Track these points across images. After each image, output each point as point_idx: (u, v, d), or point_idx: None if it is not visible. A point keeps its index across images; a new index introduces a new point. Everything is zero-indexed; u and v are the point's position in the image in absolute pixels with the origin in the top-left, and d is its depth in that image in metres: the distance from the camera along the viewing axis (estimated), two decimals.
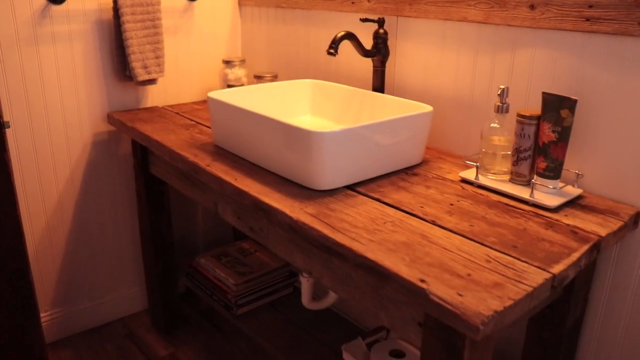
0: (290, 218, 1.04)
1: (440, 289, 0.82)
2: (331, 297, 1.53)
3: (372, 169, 1.21)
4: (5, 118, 1.56)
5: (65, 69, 1.61)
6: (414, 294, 0.84)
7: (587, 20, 1.08)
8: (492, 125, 1.18)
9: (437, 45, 1.36)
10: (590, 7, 1.07)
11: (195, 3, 1.79)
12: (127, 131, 1.56)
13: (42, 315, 1.77)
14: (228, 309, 1.68)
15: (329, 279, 1.10)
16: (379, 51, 1.41)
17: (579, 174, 1.14)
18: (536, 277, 0.86)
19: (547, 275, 0.87)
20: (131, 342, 1.82)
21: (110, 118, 1.65)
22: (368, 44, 1.50)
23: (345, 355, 1.34)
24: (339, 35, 1.33)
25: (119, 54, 1.64)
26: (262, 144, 1.24)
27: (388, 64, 1.47)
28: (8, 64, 1.51)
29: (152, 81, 1.69)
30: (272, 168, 1.23)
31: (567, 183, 1.16)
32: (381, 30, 1.40)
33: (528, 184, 1.15)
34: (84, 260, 1.81)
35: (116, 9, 1.58)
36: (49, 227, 1.71)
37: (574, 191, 1.13)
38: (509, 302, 0.80)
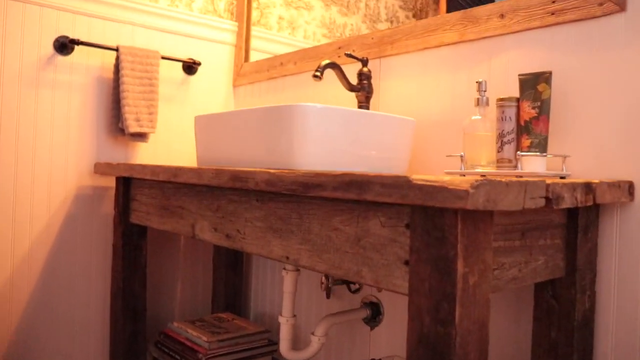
0: (268, 172, 0.99)
1: (423, 178, 0.76)
2: (313, 346, 1.36)
3: (354, 162, 1.18)
4: None
5: (60, 117, 1.65)
6: (397, 188, 0.77)
7: (552, 14, 1.16)
8: (473, 117, 1.19)
9: (417, 77, 1.42)
10: (554, 2, 1.16)
11: (192, 77, 1.91)
12: (111, 170, 1.55)
13: None
14: None
15: (308, 255, 1.01)
16: (363, 88, 1.47)
17: (565, 156, 1.11)
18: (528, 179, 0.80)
19: (541, 179, 0.81)
20: None
21: (97, 166, 1.64)
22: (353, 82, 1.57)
23: None
24: (324, 62, 1.40)
25: (114, 107, 1.70)
26: (244, 141, 1.23)
27: (372, 102, 1.52)
28: (6, 100, 1.56)
29: (143, 137, 1.72)
30: (254, 165, 1.21)
31: (554, 170, 1.14)
32: (365, 69, 1.48)
33: (515, 169, 1.12)
34: (45, 324, 1.65)
35: (117, 65, 1.68)
36: (13, 278, 1.59)
37: (562, 173, 1.09)
38: (499, 180, 0.74)
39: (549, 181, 0.83)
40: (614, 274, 1.07)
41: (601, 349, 1.08)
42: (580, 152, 1.12)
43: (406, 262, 0.85)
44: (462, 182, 0.71)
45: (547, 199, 0.82)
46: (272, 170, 0.99)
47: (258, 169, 1.02)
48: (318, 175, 0.90)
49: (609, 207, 1.07)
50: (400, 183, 0.77)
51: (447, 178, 0.73)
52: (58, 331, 1.68)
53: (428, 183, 0.74)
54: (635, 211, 1.04)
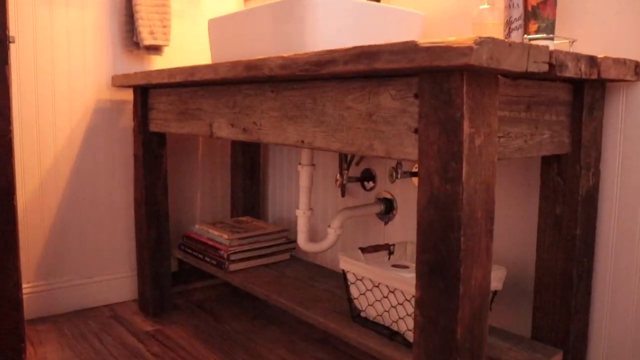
0: (282, 57, 1.03)
1: (430, 40, 0.79)
2: (330, 238, 1.43)
3: None
4: (12, 72, 1.61)
5: (76, 34, 1.69)
6: (405, 53, 0.81)
7: None
8: (481, 7, 1.20)
9: None
10: None
11: None
12: (128, 80, 1.59)
13: (24, 286, 1.66)
14: (220, 266, 1.57)
15: (322, 136, 1.06)
16: None
17: (573, 40, 1.13)
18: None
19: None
20: (116, 322, 1.68)
21: (114, 79, 1.68)
22: None
23: (342, 261, 1.23)
24: None
25: (128, 22, 1.73)
26: (257, 39, 1.26)
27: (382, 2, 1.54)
28: (21, 21, 1.59)
29: (157, 50, 1.75)
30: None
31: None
32: None
33: None
34: (75, 231, 1.74)
35: None
36: (42, 189, 1.67)
37: None
38: (503, 40, 0.77)
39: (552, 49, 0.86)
40: (619, 153, 1.11)
41: (604, 223, 1.13)
42: (587, 36, 1.14)
43: (415, 130, 0.89)
44: (466, 40, 0.74)
45: (550, 65, 0.85)
46: (285, 55, 1.02)
47: (272, 56, 1.05)
48: (330, 52, 0.93)
49: (615, 87, 1.10)
50: (408, 47, 0.80)
51: (452, 38, 0.76)
52: (87, 238, 1.78)
53: (434, 44, 0.77)
54: None
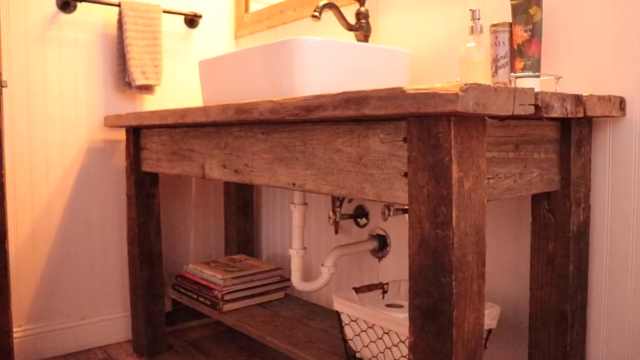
0: (271, 101, 1.04)
1: (416, 87, 0.80)
2: (323, 277, 1.42)
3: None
4: (5, 112, 1.61)
5: (68, 74, 1.70)
6: (392, 99, 0.82)
7: None
8: (468, 45, 1.22)
9: (414, 12, 1.45)
10: None
11: (194, 30, 1.94)
12: (120, 121, 1.59)
13: (15, 330, 1.63)
14: (214, 306, 1.55)
15: (313, 179, 1.06)
16: (362, 27, 1.50)
17: (558, 77, 1.15)
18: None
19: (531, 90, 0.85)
20: None
21: (106, 119, 1.69)
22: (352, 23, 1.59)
23: (336, 302, 1.22)
24: (322, 2, 1.43)
25: (120, 62, 1.74)
26: (247, 81, 1.27)
27: (370, 40, 1.55)
28: (14, 60, 1.61)
29: (149, 89, 1.76)
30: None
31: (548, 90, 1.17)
32: (362, 9, 1.51)
33: None
34: (67, 272, 1.73)
35: (120, 20, 1.72)
36: (34, 232, 1.66)
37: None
38: (488, 85, 0.78)
39: (538, 90, 0.87)
40: (608, 188, 1.11)
41: (596, 259, 1.13)
42: (573, 73, 1.15)
43: (405, 174, 0.90)
44: (452, 87, 0.75)
45: (536, 107, 0.86)
46: (274, 99, 1.03)
47: (261, 100, 1.06)
48: (318, 97, 0.94)
49: (601, 123, 1.11)
50: (395, 94, 0.81)
51: (438, 85, 0.77)
52: (80, 279, 1.76)
53: (420, 91, 0.78)
54: (627, 126, 1.08)
